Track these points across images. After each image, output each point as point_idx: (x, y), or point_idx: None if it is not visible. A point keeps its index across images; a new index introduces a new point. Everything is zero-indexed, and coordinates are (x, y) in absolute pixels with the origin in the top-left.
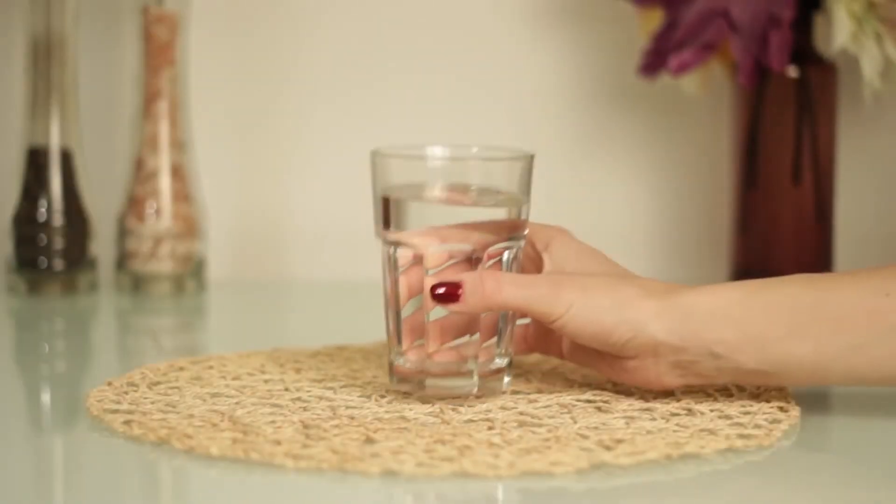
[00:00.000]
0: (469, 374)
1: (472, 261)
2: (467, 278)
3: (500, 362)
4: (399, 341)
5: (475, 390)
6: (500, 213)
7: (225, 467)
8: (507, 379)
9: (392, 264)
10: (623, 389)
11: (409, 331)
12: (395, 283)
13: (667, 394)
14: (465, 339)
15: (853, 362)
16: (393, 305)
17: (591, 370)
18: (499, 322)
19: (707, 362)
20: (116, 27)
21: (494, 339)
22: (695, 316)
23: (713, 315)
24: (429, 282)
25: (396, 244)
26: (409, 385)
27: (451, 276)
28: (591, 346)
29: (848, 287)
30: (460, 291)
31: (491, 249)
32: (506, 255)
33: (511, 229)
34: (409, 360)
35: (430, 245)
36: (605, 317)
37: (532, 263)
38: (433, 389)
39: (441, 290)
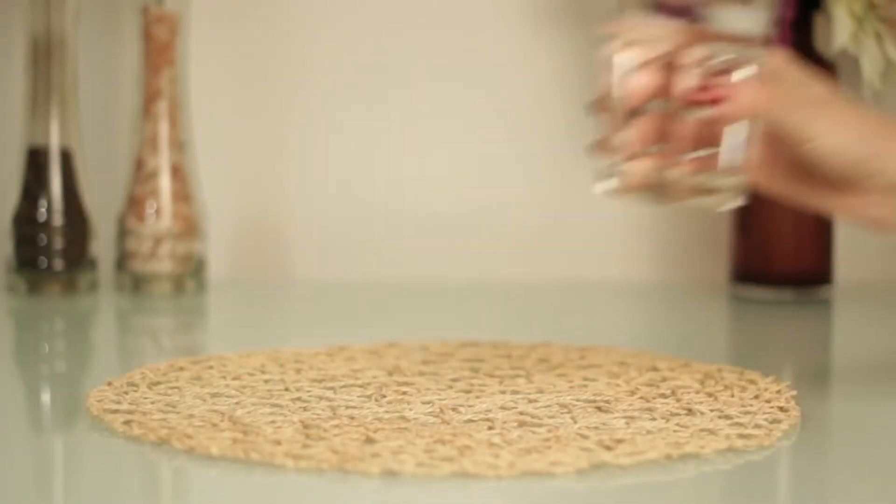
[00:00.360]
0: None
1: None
2: (734, 83)
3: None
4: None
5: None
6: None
7: (225, 467)
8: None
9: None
10: (623, 389)
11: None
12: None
13: (667, 394)
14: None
15: None
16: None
17: (808, 205)
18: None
19: None
20: (116, 27)
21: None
22: None
23: None
24: (688, 82)
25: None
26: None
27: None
28: (830, 175)
29: None
30: (728, 96)
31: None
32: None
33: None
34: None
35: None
36: (859, 147)
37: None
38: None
39: (709, 95)
